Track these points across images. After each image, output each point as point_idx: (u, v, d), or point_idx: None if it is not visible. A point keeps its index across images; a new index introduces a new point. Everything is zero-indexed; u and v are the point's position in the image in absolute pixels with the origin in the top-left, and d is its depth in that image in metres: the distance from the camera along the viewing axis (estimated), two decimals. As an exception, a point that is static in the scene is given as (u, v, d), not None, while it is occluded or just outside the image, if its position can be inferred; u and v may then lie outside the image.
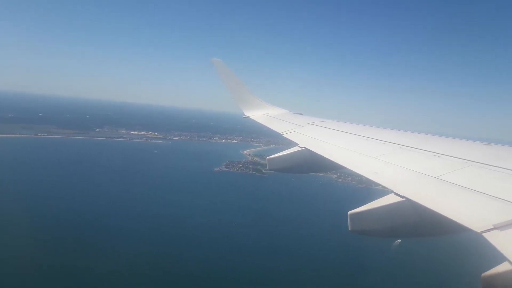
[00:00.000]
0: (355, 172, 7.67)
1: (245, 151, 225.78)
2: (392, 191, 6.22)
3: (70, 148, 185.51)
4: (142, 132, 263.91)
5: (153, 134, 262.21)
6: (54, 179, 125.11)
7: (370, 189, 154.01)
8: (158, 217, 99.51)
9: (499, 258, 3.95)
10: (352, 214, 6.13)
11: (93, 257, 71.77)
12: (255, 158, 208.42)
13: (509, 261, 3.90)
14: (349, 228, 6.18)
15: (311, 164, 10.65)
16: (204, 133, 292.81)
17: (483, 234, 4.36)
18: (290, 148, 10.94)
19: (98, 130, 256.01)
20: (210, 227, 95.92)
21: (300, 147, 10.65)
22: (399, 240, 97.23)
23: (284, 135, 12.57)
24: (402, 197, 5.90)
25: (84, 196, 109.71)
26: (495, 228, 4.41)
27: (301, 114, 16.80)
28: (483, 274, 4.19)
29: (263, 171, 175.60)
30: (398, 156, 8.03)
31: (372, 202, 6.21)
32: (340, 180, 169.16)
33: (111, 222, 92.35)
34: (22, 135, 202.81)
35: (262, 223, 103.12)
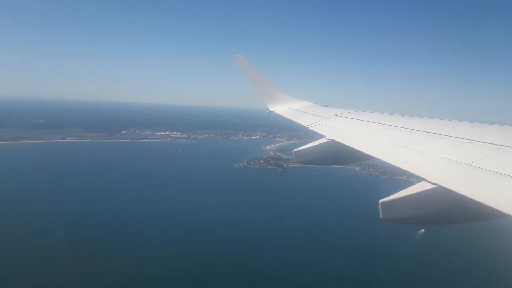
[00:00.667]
0: (385, 162, 7.62)
1: (267, 147, 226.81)
2: (423, 180, 6.15)
3: (97, 151, 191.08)
4: (167, 132, 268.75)
5: (177, 133, 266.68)
6: (79, 182, 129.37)
7: (395, 180, 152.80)
8: (179, 215, 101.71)
9: None
10: (383, 203, 6.16)
11: (127, 256, 74.26)
12: (277, 153, 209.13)
13: None
14: (381, 217, 6.21)
15: (339, 156, 10.67)
16: (227, 131, 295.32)
17: None
18: (316, 140, 10.97)
19: (124, 132, 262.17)
20: (229, 223, 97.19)
21: (327, 139, 10.64)
22: (423, 230, 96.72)
23: (310, 128, 12.55)
24: (435, 184, 5.86)
25: (109, 197, 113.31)
26: None
27: (327, 106, 16.81)
28: None
29: (285, 165, 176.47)
30: (428, 144, 7.89)
31: (404, 190, 6.19)
32: (363, 172, 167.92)
33: (133, 221, 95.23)
34: (51, 140, 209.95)
35: (283, 217, 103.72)
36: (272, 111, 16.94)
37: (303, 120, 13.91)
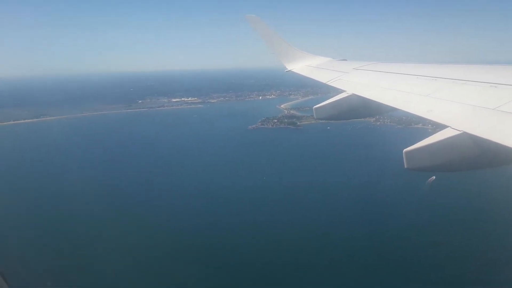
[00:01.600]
0: (408, 113, 7.69)
1: (282, 106, 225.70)
2: (447, 127, 6.19)
3: (114, 123, 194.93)
4: (183, 99, 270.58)
5: (192, 99, 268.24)
6: (94, 154, 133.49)
7: (410, 128, 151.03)
8: (190, 178, 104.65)
9: None
10: (407, 152, 6.15)
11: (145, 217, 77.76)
12: (292, 112, 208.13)
13: None
14: (405, 166, 6.19)
15: (361, 110, 10.68)
16: (242, 92, 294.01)
17: None
18: (336, 96, 10.92)
19: (140, 101, 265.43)
20: (238, 183, 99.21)
21: (347, 93, 10.59)
22: (434, 177, 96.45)
23: (329, 84, 12.44)
24: (459, 131, 5.88)
25: (120, 168, 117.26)
26: None
27: (345, 60, 16.56)
28: None
29: (298, 123, 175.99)
30: (451, 91, 7.83)
31: (428, 138, 6.18)
32: (378, 123, 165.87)
33: (147, 186, 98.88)
34: (70, 116, 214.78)
35: (294, 175, 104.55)
36: (289, 70, 16.86)
37: (322, 76, 13.81)
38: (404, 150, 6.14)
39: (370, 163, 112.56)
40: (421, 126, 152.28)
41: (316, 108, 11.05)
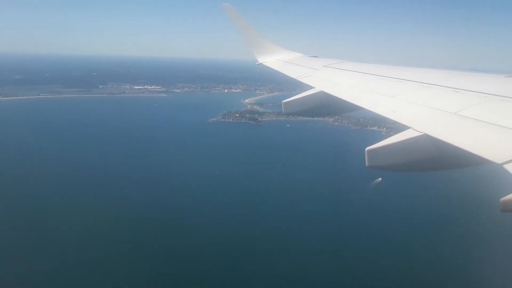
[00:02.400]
0: (374, 112, 7.82)
1: (246, 100, 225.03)
2: (409, 128, 6.32)
3: (69, 107, 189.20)
4: (146, 86, 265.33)
5: (156, 87, 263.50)
6: (44, 138, 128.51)
7: (365, 130, 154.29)
8: (144, 169, 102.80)
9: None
10: (369, 150, 6.28)
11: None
12: (255, 107, 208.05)
13: None
14: (366, 164, 6.30)
15: (328, 107, 10.79)
16: (208, 84, 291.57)
17: (503, 165, 4.44)
18: (305, 91, 10.96)
19: (101, 87, 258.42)
20: (190, 176, 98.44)
21: (316, 90, 10.65)
22: (380, 179, 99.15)
23: (299, 80, 12.40)
24: (421, 132, 6.02)
25: (74, 154, 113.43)
26: None
27: (316, 57, 16.64)
28: (501, 199, 4.39)
29: (259, 119, 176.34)
30: (416, 93, 8.06)
31: (389, 138, 6.35)
32: (336, 123, 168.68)
33: (98, 174, 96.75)
34: (25, 97, 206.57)
35: (248, 170, 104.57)
36: (260, 63, 16.69)
37: (292, 72, 13.72)
38: (366, 148, 6.28)
39: (322, 162, 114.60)
40: (376, 129, 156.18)
41: (285, 103, 11.14)
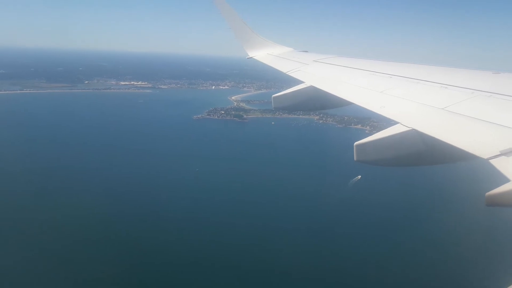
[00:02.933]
0: (363, 108, 7.78)
1: (233, 97, 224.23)
2: (397, 123, 6.37)
3: (51, 102, 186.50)
4: (132, 82, 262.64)
5: (142, 83, 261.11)
6: (25, 134, 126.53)
7: (349, 129, 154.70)
8: (124, 165, 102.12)
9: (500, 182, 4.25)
10: (358, 145, 6.31)
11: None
12: (241, 104, 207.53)
13: None
14: (355, 159, 6.33)
15: (317, 102, 10.77)
16: (196, 80, 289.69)
17: (490, 160, 4.49)
18: (295, 86, 10.92)
19: (87, 82, 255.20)
20: (170, 173, 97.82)
21: (306, 85, 10.61)
22: (359, 176, 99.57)
23: (289, 74, 12.44)
24: (409, 127, 6.07)
25: (51, 149, 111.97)
26: (502, 154, 4.53)
27: (307, 51, 16.58)
28: (487, 193, 4.41)
29: (244, 116, 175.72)
30: (404, 89, 8.08)
31: (378, 133, 6.35)
32: (321, 121, 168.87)
33: (75, 169, 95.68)
34: (8, 92, 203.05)
35: (228, 167, 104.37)
36: (251, 57, 16.57)
37: (282, 66, 13.69)
38: (355, 143, 6.31)
39: (303, 159, 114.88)
40: (360, 127, 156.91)
41: (275, 97, 11.17)
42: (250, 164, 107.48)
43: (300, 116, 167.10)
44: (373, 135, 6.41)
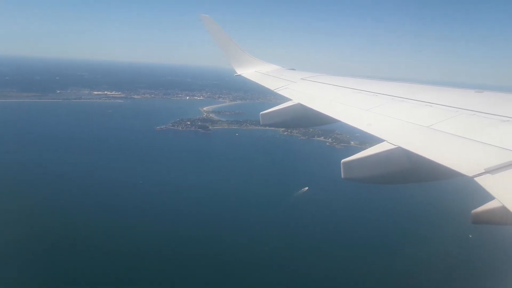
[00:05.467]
0: (349, 125, 7.90)
1: (204, 108, 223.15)
2: (384, 141, 6.44)
3: (15, 112, 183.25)
4: (106, 92, 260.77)
5: (116, 93, 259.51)
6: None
7: (311, 140, 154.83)
8: (69, 175, 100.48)
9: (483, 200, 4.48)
10: (345, 162, 6.41)
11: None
12: (211, 115, 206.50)
13: (497, 200, 4.16)
14: (342, 176, 6.43)
15: (305, 119, 10.98)
16: (172, 90, 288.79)
17: (474, 178, 4.51)
18: (283, 103, 11.23)
19: (59, 91, 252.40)
20: (112, 185, 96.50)
21: (293, 102, 10.87)
22: (307, 188, 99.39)
23: (277, 92, 12.62)
24: (395, 145, 6.13)
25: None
26: (487, 172, 4.57)
27: (294, 69, 16.79)
28: (473, 211, 4.58)
29: (210, 127, 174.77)
30: (390, 107, 8.23)
31: (365, 151, 6.43)
32: (285, 133, 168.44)
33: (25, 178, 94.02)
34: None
35: (173, 179, 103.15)
36: (239, 75, 16.65)
37: (270, 84, 13.93)
38: (342, 160, 6.43)
39: (257, 169, 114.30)
40: (322, 139, 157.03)
41: (262, 114, 11.34)
42: (197, 175, 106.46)
43: (267, 128, 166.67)
44: (360, 152, 6.50)
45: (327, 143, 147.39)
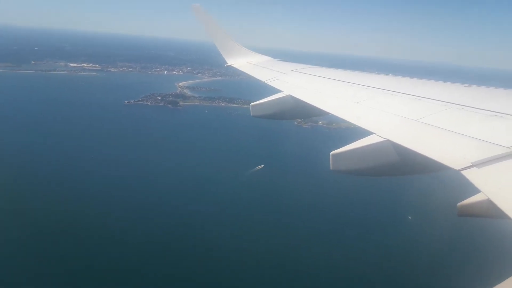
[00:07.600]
0: (339, 117, 7.95)
1: (180, 83, 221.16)
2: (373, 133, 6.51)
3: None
4: (82, 64, 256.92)
5: (93, 66, 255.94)
6: None
7: (278, 122, 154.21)
8: (26, 148, 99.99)
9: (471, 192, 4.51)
10: (334, 155, 6.47)
11: None
12: (185, 90, 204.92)
13: (483, 193, 4.21)
14: (331, 168, 6.47)
15: (295, 111, 10.98)
16: (151, 64, 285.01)
17: (461, 171, 4.58)
18: (273, 95, 11.20)
19: (33, 62, 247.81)
20: (63, 158, 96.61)
21: (284, 94, 10.85)
22: (262, 166, 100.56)
23: (268, 83, 12.56)
24: (383, 138, 6.20)
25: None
26: (473, 165, 4.64)
27: (285, 60, 16.94)
28: (459, 204, 4.70)
29: (180, 103, 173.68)
30: (380, 100, 8.35)
31: (354, 143, 6.49)
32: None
33: None
34: None
35: (125, 154, 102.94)
36: (229, 65, 16.73)
37: (261, 75, 13.91)
38: (331, 152, 6.50)
39: (217, 146, 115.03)
40: (288, 120, 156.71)
41: (253, 105, 11.37)
42: (152, 152, 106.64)
43: (239, 106, 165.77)
44: (349, 145, 6.56)
45: (295, 122, 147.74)
